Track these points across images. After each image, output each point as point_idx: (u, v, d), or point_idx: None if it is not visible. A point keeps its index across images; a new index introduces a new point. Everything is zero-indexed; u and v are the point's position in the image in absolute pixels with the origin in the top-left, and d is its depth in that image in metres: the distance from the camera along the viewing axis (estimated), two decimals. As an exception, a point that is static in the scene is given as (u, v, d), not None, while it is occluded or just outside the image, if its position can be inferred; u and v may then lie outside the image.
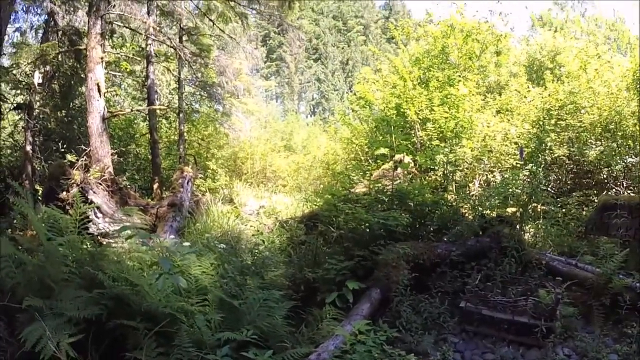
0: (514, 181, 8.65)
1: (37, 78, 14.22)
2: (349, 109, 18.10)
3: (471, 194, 9.16)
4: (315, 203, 9.15)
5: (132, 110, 13.86)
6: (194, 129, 16.79)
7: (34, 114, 14.29)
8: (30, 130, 14.01)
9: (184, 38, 15.28)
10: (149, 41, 14.37)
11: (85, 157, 10.30)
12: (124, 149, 15.77)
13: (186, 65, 15.53)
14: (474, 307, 5.58)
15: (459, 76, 12.54)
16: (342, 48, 55.05)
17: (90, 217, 9.00)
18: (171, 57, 15.96)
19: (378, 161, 11.35)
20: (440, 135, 10.76)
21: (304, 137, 22.76)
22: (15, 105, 14.83)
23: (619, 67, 11.63)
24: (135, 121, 17.19)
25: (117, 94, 16.86)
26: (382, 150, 10.60)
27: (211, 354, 3.91)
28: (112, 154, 11.31)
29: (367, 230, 6.53)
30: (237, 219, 10.51)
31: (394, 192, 7.41)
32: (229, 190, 14.26)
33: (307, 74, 52.79)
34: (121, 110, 12.76)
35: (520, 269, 6.34)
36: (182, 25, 15.28)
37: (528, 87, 13.09)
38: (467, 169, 9.92)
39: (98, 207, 9.28)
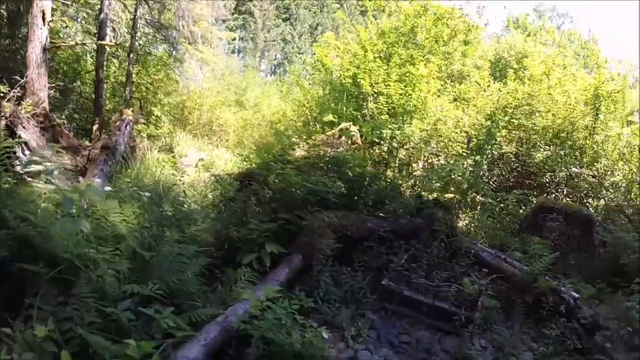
0: (456, 167, 8.70)
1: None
2: (304, 70, 17.73)
3: (413, 174, 9.16)
4: (251, 160, 8.91)
5: (77, 44, 13.05)
6: (143, 71, 16.04)
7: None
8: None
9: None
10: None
11: (19, 89, 9.66)
12: (67, 85, 15.03)
13: (144, 4, 14.83)
14: (396, 287, 5.56)
15: (423, 57, 12.45)
16: (314, 12, 53.77)
17: (17, 153, 8.53)
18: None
19: (325, 128, 11.19)
20: (392, 111, 10.66)
21: (257, 94, 22.25)
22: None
23: (582, 81, 11.82)
24: (85, 57, 16.25)
25: (67, 26, 15.88)
26: (330, 117, 10.46)
27: (111, 306, 3.69)
28: (50, 88, 10.70)
29: (298, 193, 6.35)
30: (173, 169, 10.18)
31: (331, 158, 7.26)
32: (170, 139, 13.84)
33: (273, 33, 51.59)
34: (64, 42, 11.96)
35: (449, 255, 6.35)
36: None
37: (489, 81, 13.13)
38: (413, 148, 9.88)
39: (26, 143, 8.76)
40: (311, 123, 12.51)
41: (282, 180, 6.50)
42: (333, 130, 9.56)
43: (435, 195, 8.20)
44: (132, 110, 10.94)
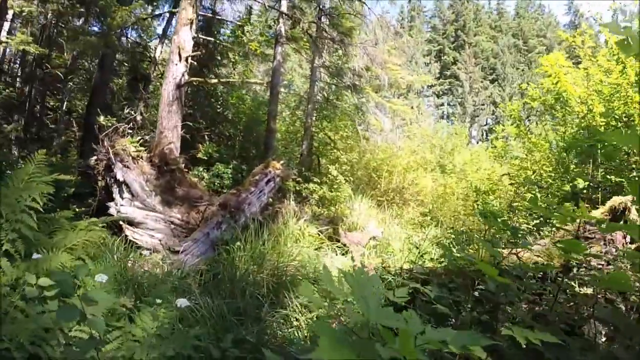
0: None
1: (160, 52, 13.39)
2: (525, 110, 12.41)
3: None
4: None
5: (219, 82, 10.73)
6: (324, 123, 13.24)
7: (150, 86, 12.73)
8: (144, 101, 12.16)
9: (323, 20, 12.19)
10: (281, 20, 11.71)
11: (131, 123, 7.52)
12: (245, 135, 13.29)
13: (323, 52, 12.39)
14: None
15: None
16: (522, 70, 47.90)
17: (113, 195, 6.53)
18: (305, 41, 12.82)
19: (567, 204, 6.71)
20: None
21: (466, 158, 17.86)
22: (132, 76, 13.56)
23: None
24: (264, 108, 14.19)
25: (246, 77, 14.15)
26: (580, 184, 6.17)
27: None
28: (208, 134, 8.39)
29: None
30: (322, 249, 6.75)
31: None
32: (348, 204, 10.53)
33: (482, 96, 46.93)
34: (200, 78, 9.62)
35: None
36: (321, 6, 12.21)
37: None
38: None
39: (127, 185, 6.32)
40: (540, 192, 8.00)
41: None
42: (598, 211, 5.05)
43: None
44: (282, 164, 7.88)
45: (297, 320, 4.01)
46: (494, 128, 45.82)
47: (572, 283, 4.06)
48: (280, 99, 13.28)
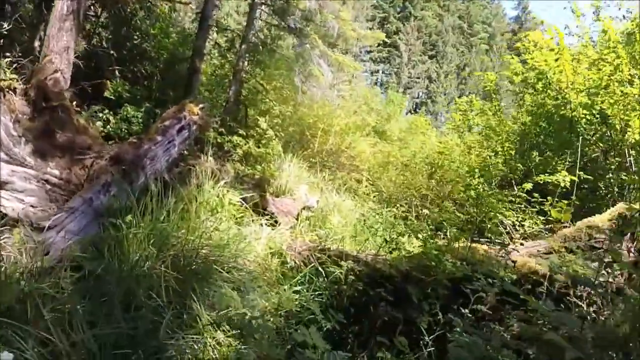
0: None
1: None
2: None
3: None
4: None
5: None
6: (257, 69, 11.43)
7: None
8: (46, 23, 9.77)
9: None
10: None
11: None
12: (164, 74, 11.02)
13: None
14: None
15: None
16: (462, 52, 48.27)
17: None
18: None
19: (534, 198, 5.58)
20: None
21: (403, 126, 16.86)
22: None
23: None
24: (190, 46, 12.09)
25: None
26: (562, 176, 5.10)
27: None
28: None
29: None
30: (249, 221, 5.23)
31: None
32: (277, 163, 8.97)
33: (418, 69, 46.44)
34: None
35: None
36: None
37: None
38: None
39: None
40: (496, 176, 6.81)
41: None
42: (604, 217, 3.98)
43: None
44: (202, 109, 6.10)
45: (214, 338, 2.52)
46: (426, 102, 45.62)
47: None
48: (211, 38, 11.31)
